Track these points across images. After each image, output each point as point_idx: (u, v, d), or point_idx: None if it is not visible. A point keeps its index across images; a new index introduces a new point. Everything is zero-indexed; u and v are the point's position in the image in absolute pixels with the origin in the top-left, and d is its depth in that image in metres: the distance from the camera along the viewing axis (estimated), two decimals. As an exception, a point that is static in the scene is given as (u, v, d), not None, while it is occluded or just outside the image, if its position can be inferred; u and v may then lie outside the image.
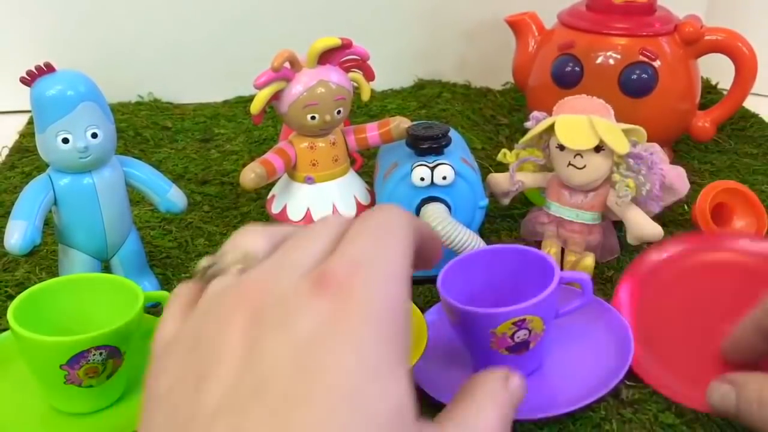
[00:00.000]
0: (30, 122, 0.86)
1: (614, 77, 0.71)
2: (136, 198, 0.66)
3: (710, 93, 0.91)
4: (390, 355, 0.26)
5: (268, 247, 0.31)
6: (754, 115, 0.88)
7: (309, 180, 0.59)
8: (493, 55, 0.96)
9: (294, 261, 0.28)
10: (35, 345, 0.42)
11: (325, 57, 0.57)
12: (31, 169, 0.76)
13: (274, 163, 0.57)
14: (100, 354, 0.43)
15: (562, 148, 0.57)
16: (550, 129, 0.58)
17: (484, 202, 0.59)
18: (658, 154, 0.57)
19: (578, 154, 0.57)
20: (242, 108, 0.93)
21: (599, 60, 0.71)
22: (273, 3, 0.94)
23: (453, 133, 0.59)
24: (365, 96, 0.61)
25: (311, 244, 0.29)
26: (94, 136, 0.51)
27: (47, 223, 0.52)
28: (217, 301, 0.28)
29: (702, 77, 0.78)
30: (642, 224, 0.58)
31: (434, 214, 0.55)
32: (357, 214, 0.59)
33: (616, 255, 0.61)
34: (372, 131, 0.61)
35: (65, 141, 0.50)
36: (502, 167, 0.64)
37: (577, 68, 0.72)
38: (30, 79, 0.50)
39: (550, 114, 0.60)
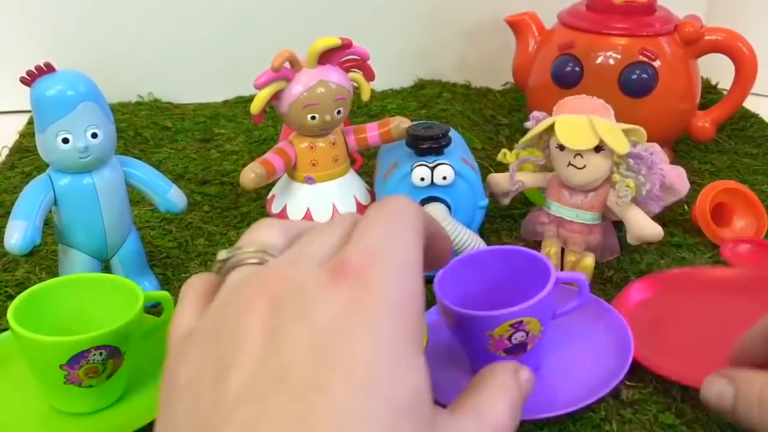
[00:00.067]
0: (30, 122, 0.86)
1: (614, 77, 0.71)
2: (136, 198, 0.66)
3: (710, 93, 0.91)
4: (407, 343, 0.26)
5: (284, 241, 0.31)
6: (754, 115, 0.88)
7: (309, 180, 0.59)
8: (493, 55, 0.96)
9: (312, 252, 0.29)
10: (35, 345, 0.42)
11: (325, 57, 0.57)
12: (31, 169, 0.76)
13: (274, 163, 0.57)
14: (100, 354, 0.43)
15: (562, 148, 0.57)
16: (550, 129, 0.58)
17: (484, 202, 0.59)
18: (658, 154, 0.57)
19: (578, 154, 0.57)
20: (242, 108, 0.93)
21: (599, 60, 0.71)
22: (273, 3, 0.94)
23: (453, 133, 0.59)
24: (365, 96, 0.61)
25: (327, 237, 0.30)
26: (94, 136, 0.51)
27: (47, 223, 0.52)
28: (237, 291, 0.28)
29: (702, 77, 0.78)
30: (642, 224, 0.58)
31: (434, 214, 0.55)
32: (357, 214, 0.59)
33: (616, 255, 0.61)
34: (372, 131, 0.61)
35: (65, 141, 0.50)
36: (502, 167, 0.64)
37: (577, 68, 0.72)
38: (30, 79, 0.50)
39: (550, 114, 0.60)
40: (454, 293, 0.45)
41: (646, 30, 0.72)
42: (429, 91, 0.96)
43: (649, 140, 0.58)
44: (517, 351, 0.45)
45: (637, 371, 0.48)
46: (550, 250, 0.59)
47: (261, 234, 0.32)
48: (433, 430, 0.27)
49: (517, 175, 0.61)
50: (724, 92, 0.77)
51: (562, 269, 0.58)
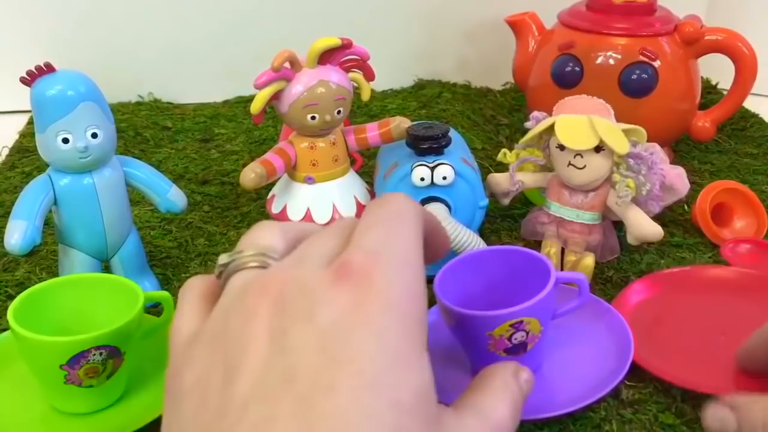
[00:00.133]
0: (30, 122, 0.86)
1: (614, 77, 0.71)
2: (136, 198, 0.66)
3: (710, 93, 0.91)
4: (411, 343, 0.26)
5: (283, 244, 0.31)
6: (754, 115, 0.88)
7: (309, 180, 0.59)
8: (493, 55, 0.96)
9: (313, 254, 0.29)
10: (35, 345, 0.42)
11: (325, 57, 0.57)
12: (31, 169, 0.76)
13: (274, 163, 0.57)
14: (100, 354, 0.43)
15: (562, 148, 0.57)
16: (550, 129, 0.58)
17: (484, 202, 0.59)
18: (658, 154, 0.57)
19: (578, 154, 0.57)
20: (242, 108, 0.93)
21: (599, 60, 0.71)
22: (273, 3, 0.94)
23: (453, 133, 0.59)
24: (365, 96, 0.61)
25: (328, 240, 0.30)
26: (94, 136, 0.51)
27: (47, 223, 0.52)
28: (240, 295, 0.29)
29: (702, 77, 0.78)
30: (642, 224, 0.58)
31: (434, 214, 0.55)
32: (357, 215, 0.59)
33: (617, 255, 0.61)
34: (372, 131, 0.61)
35: (65, 141, 0.50)
36: (502, 167, 0.65)
37: (577, 68, 0.72)
38: (30, 79, 0.50)
39: (550, 114, 0.60)
40: (454, 293, 0.45)
41: (646, 30, 0.72)
42: (429, 91, 0.96)
43: (649, 140, 0.58)
44: (517, 351, 0.45)
45: (637, 371, 0.48)
46: (550, 250, 0.59)
47: (260, 237, 0.32)
48: (437, 428, 0.27)
49: (517, 175, 0.61)
50: (724, 92, 0.77)
51: (562, 269, 0.58)
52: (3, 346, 0.49)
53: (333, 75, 0.56)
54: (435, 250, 0.33)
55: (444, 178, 0.56)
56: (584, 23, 0.74)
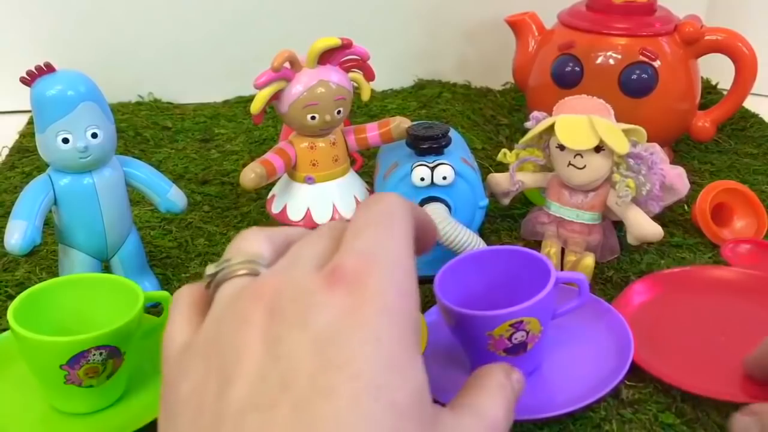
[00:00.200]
0: (30, 122, 0.86)
1: (614, 77, 0.71)
2: (136, 198, 0.66)
3: (710, 93, 0.91)
4: (405, 344, 0.26)
5: (270, 249, 0.31)
6: (754, 115, 0.88)
7: (309, 180, 0.59)
8: (493, 55, 0.96)
9: (305, 258, 0.29)
10: (35, 345, 0.42)
11: (325, 57, 0.57)
12: (31, 169, 0.76)
13: (274, 163, 0.57)
14: (100, 354, 0.43)
15: (562, 148, 0.57)
16: (550, 129, 0.58)
17: (484, 202, 0.59)
18: (658, 154, 0.57)
19: (578, 154, 0.57)
20: (242, 108, 0.93)
21: (599, 60, 0.71)
22: (273, 3, 0.94)
23: (453, 133, 0.59)
24: (365, 96, 0.61)
25: (318, 244, 0.30)
26: (94, 136, 0.51)
27: (47, 223, 0.52)
28: (232, 303, 0.28)
29: (702, 77, 0.78)
30: (642, 224, 0.58)
31: (434, 214, 0.55)
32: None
33: (616, 255, 0.61)
34: (372, 131, 0.61)
35: (65, 141, 0.50)
36: (502, 167, 0.65)
37: (577, 68, 0.72)
38: (30, 79, 0.50)
39: (550, 114, 0.60)
40: (455, 293, 0.45)
41: (646, 30, 0.72)
42: (429, 91, 0.96)
43: (649, 140, 0.58)
44: (517, 351, 0.45)
45: (637, 371, 0.48)
46: (550, 250, 0.59)
47: (247, 244, 0.31)
48: (434, 428, 0.27)
49: (517, 175, 0.61)
50: (724, 92, 0.77)
51: (562, 269, 0.58)
52: (3, 346, 0.49)
53: (333, 75, 0.56)
54: (424, 244, 0.33)
55: (444, 178, 0.56)
56: (584, 23, 0.74)
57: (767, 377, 0.45)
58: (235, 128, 0.88)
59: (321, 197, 0.59)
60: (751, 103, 0.82)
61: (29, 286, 0.46)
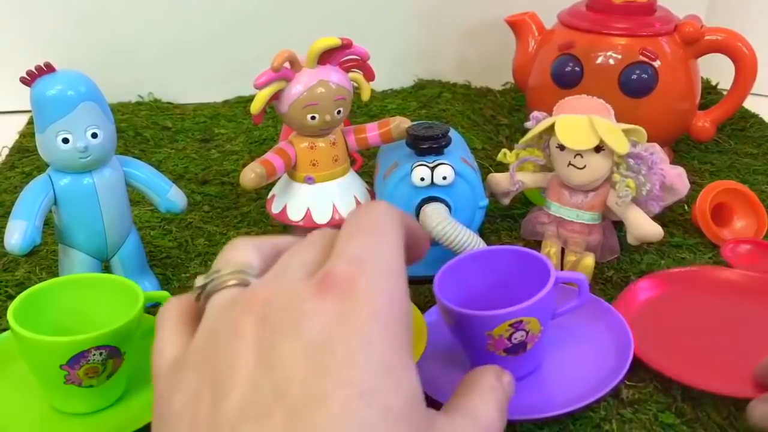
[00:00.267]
0: (30, 122, 0.86)
1: (614, 77, 0.71)
2: (136, 198, 0.66)
3: (710, 93, 0.91)
4: (398, 350, 0.26)
5: (259, 259, 0.31)
6: (754, 115, 0.88)
7: (309, 180, 0.59)
8: (493, 55, 0.96)
9: (295, 266, 0.29)
10: (35, 345, 0.42)
11: (325, 57, 0.57)
12: (31, 169, 0.76)
13: (274, 163, 0.57)
14: (100, 354, 0.43)
15: (562, 148, 0.57)
16: (550, 129, 0.58)
17: (484, 202, 0.59)
18: (658, 154, 0.57)
19: (578, 154, 0.57)
20: (242, 108, 0.93)
21: (599, 60, 0.71)
22: (273, 3, 0.94)
23: (453, 133, 0.59)
24: (365, 96, 0.61)
25: (308, 252, 0.30)
26: (94, 136, 0.51)
27: (47, 223, 0.52)
28: (223, 314, 0.28)
29: (702, 77, 0.78)
30: (642, 224, 0.58)
31: (434, 214, 0.55)
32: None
33: (616, 255, 0.61)
34: (372, 131, 0.61)
35: (65, 141, 0.50)
36: (502, 167, 0.65)
37: (577, 68, 0.72)
38: (30, 79, 0.50)
39: (550, 114, 0.60)
40: (455, 293, 0.45)
41: (646, 30, 0.72)
42: (429, 91, 0.96)
43: (649, 140, 0.58)
44: (517, 351, 0.45)
45: (637, 371, 0.48)
46: (550, 250, 0.59)
47: (235, 255, 0.31)
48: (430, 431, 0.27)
49: (517, 175, 0.61)
50: (724, 92, 0.77)
51: (562, 269, 0.58)
52: (3, 346, 0.49)
53: (333, 75, 0.56)
54: (415, 252, 0.33)
55: (444, 178, 0.56)
56: (584, 23, 0.74)
57: None
58: (235, 128, 0.88)
59: (321, 197, 0.59)
60: (751, 103, 0.82)
61: (29, 286, 0.46)
